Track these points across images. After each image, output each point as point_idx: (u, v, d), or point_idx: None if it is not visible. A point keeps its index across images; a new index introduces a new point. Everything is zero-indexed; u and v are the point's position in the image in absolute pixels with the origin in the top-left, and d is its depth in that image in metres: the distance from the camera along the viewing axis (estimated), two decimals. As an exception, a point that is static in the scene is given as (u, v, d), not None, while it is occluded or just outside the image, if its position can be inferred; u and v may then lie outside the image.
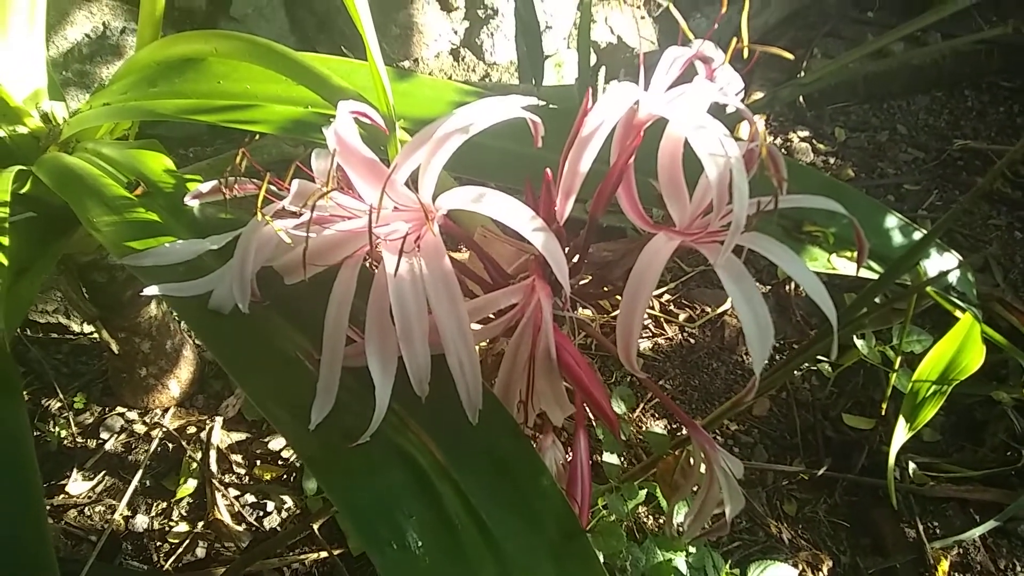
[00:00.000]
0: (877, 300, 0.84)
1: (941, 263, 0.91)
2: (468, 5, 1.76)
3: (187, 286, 0.60)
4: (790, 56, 0.58)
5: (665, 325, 1.59)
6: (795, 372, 1.51)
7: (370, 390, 0.52)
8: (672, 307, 1.63)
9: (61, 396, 1.39)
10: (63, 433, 1.35)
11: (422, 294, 0.51)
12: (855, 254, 0.73)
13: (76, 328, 1.48)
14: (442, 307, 0.51)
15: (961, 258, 0.89)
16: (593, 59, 2.01)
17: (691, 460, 0.75)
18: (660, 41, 2.10)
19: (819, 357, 1.49)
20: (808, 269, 0.57)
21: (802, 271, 0.56)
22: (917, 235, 0.89)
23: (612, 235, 1.65)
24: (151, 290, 0.59)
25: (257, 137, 0.77)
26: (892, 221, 0.90)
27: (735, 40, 0.61)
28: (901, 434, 1.14)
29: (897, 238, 0.90)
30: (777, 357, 1.53)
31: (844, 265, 0.84)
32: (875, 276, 0.84)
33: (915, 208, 1.87)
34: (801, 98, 2.12)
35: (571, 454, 0.65)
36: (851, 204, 0.88)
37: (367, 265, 0.55)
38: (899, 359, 1.25)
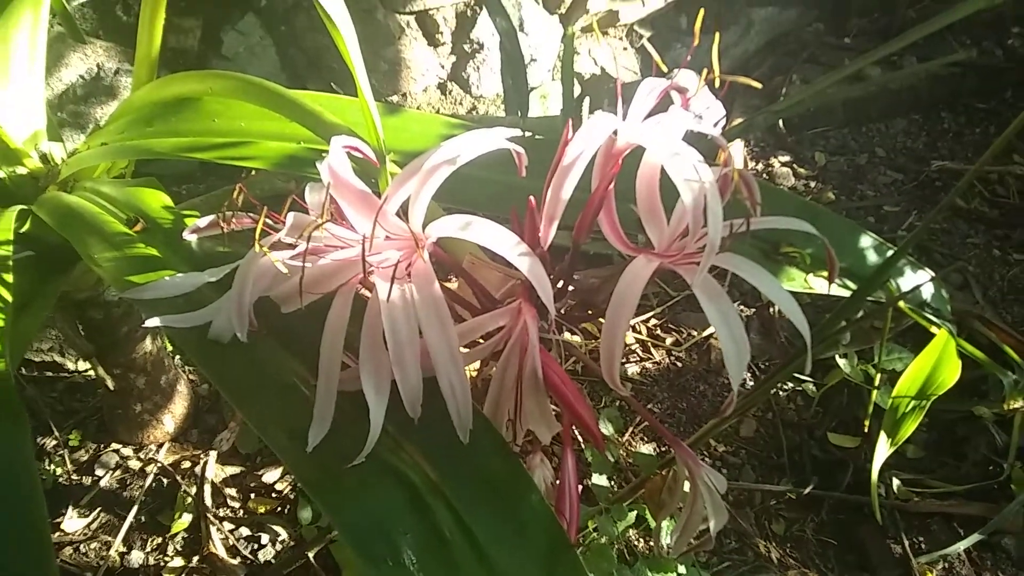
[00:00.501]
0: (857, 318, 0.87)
1: (915, 280, 0.94)
2: (454, 40, 1.80)
3: (187, 317, 0.62)
4: (759, 85, 0.61)
5: (652, 349, 1.61)
6: (780, 393, 1.53)
7: (365, 413, 0.55)
8: (659, 331, 1.66)
9: (56, 434, 1.40)
10: (58, 471, 1.36)
11: (414, 319, 0.53)
12: (831, 273, 0.76)
13: (71, 366, 1.49)
14: (433, 331, 0.53)
15: (933, 274, 0.91)
16: (577, 90, 2.05)
17: (677, 477, 0.78)
18: (642, 71, 2.15)
19: (803, 377, 1.51)
20: (782, 287, 0.60)
21: (776, 289, 0.59)
22: (891, 254, 0.92)
23: (599, 262, 1.68)
24: (152, 322, 0.61)
25: (253, 173, 0.79)
26: (867, 241, 0.93)
27: (707, 70, 0.64)
28: (883, 450, 1.16)
29: (872, 257, 0.93)
30: (763, 378, 1.55)
31: (821, 284, 0.86)
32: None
33: (895, 229, 1.91)
34: (781, 123, 2.17)
35: (559, 472, 0.67)
36: (826, 226, 0.92)
37: (360, 292, 0.58)
38: (879, 376, 1.28)
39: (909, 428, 1.13)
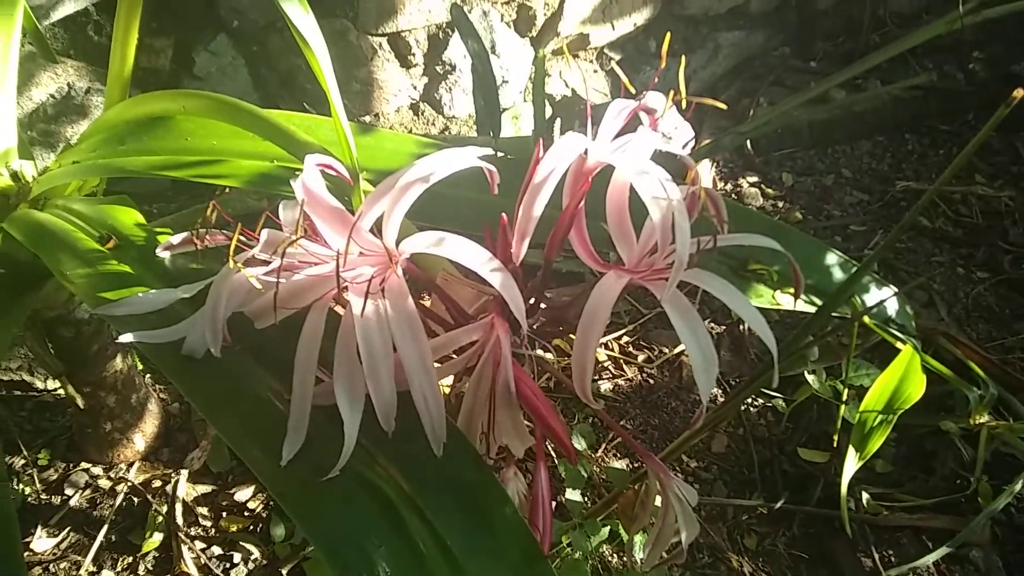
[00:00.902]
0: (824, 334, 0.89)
1: (880, 296, 0.96)
2: (427, 61, 1.82)
3: (161, 333, 0.63)
4: (724, 106, 0.63)
5: (624, 366, 1.63)
6: (751, 409, 1.55)
7: (339, 426, 0.55)
8: (631, 349, 1.67)
9: (25, 453, 1.38)
10: (27, 490, 1.34)
11: (387, 334, 0.54)
12: (798, 289, 0.77)
13: (40, 385, 1.48)
14: (406, 345, 0.54)
15: (896, 289, 0.93)
16: (549, 111, 2.07)
17: (649, 491, 0.79)
18: (612, 93, 2.17)
19: (773, 393, 1.53)
20: (749, 303, 0.61)
21: (743, 305, 0.60)
22: (855, 270, 0.93)
23: (572, 280, 1.69)
24: (126, 338, 0.61)
25: (228, 191, 0.80)
26: (832, 259, 0.95)
27: (674, 92, 0.66)
28: (852, 464, 1.18)
29: (838, 274, 0.95)
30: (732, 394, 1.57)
31: (788, 301, 0.88)
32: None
33: (861, 248, 1.94)
34: (750, 145, 2.20)
35: (532, 485, 0.68)
36: (793, 244, 0.94)
37: (334, 308, 0.58)
38: (847, 392, 1.30)
39: (876, 442, 1.15)
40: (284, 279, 0.56)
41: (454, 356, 0.63)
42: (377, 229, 0.57)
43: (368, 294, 0.53)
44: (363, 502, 0.56)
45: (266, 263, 0.58)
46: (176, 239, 0.68)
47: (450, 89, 1.85)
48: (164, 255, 0.70)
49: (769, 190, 2.13)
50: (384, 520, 0.56)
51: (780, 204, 2.10)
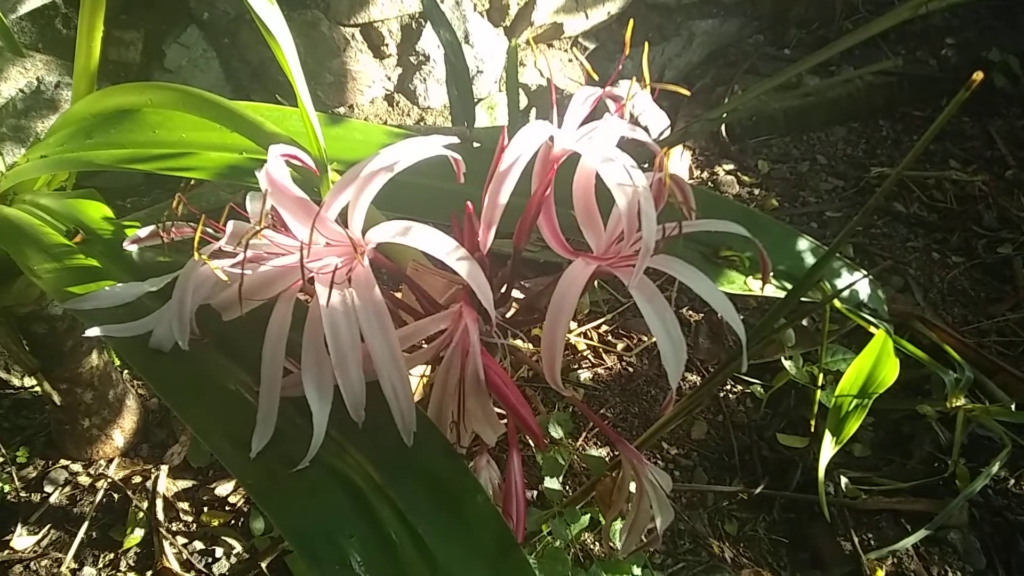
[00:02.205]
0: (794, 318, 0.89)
1: (851, 280, 0.96)
2: (400, 52, 1.81)
3: (128, 327, 0.62)
4: (687, 92, 0.63)
5: (604, 355, 1.63)
6: (730, 395, 1.56)
7: (308, 418, 0.55)
8: (610, 337, 1.67)
9: (3, 451, 1.37)
10: (6, 488, 1.33)
11: (355, 324, 0.54)
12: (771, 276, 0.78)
13: (16, 382, 1.47)
14: (374, 335, 0.54)
15: (866, 273, 0.94)
16: (524, 101, 2.07)
17: (625, 478, 0.79)
18: (588, 82, 2.17)
19: (751, 380, 1.54)
20: (716, 288, 0.61)
21: (710, 290, 0.61)
22: (824, 254, 0.94)
23: (550, 269, 1.69)
24: (93, 331, 0.61)
25: (192, 183, 0.79)
26: (804, 244, 0.96)
27: (642, 81, 0.66)
28: (828, 448, 1.19)
29: (809, 259, 0.95)
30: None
31: (760, 286, 0.89)
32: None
33: (836, 234, 1.95)
34: (725, 133, 2.20)
35: (505, 473, 0.68)
36: (764, 230, 0.94)
37: (302, 299, 0.58)
38: (822, 376, 1.31)
39: (852, 427, 1.16)
40: (250, 271, 0.56)
41: (424, 345, 0.63)
42: (344, 219, 0.57)
43: (333, 284, 0.53)
44: (333, 493, 0.56)
45: (233, 255, 0.58)
46: (143, 232, 0.67)
47: (424, 80, 1.84)
48: (131, 248, 0.69)
49: (745, 178, 2.14)
50: (355, 511, 0.56)
51: (756, 191, 2.10)
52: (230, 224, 0.59)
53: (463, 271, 0.53)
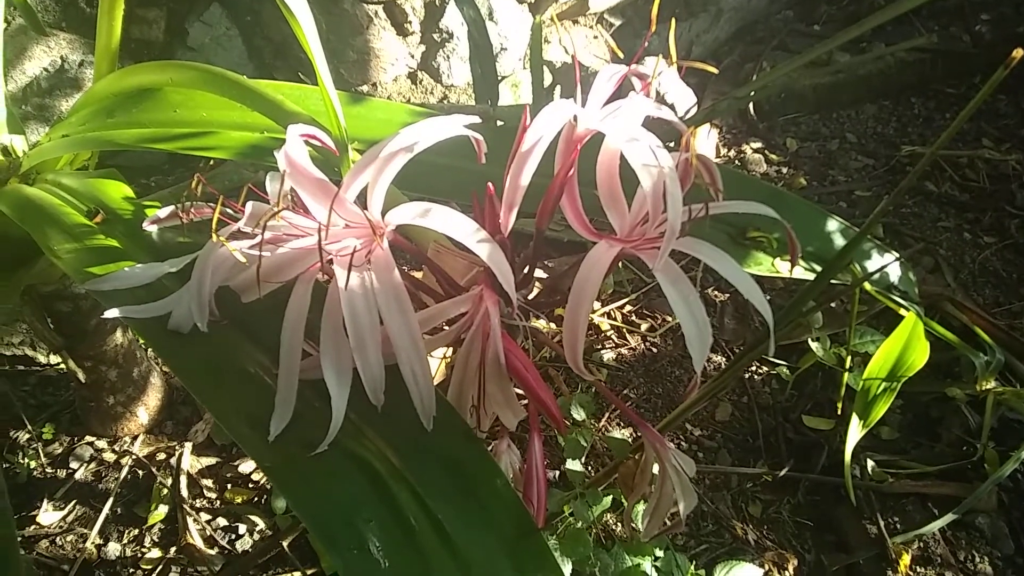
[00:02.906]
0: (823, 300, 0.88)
1: (882, 263, 0.94)
2: (424, 29, 1.79)
3: (147, 308, 0.62)
4: (715, 70, 0.61)
5: (627, 335, 1.62)
6: (755, 377, 1.54)
7: (327, 401, 0.54)
8: (634, 317, 1.66)
9: (29, 427, 1.39)
10: (32, 464, 1.35)
11: (374, 306, 0.53)
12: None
13: (42, 359, 1.48)
14: (393, 318, 0.53)
15: (898, 255, 0.92)
16: (549, 79, 2.05)
17: (648, 461, 0.78)
18: (613, 60, 2.14)
19: (777, 361, 1.52)
20: (742, 271, 0.60)
21: (737, 273, 0.59)
22: (855, 235, 0.92)
23: (573, 249, 1.68)
24: (112, 313, 0.60)
25: (211, 163, 0.79)
26: (833, 225, 0.94)
27: (669, 58, 0.64)
28: (855, 432, 1.17)
29: (839, 241, 0.93)
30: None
31: (788, 268, 0.87)
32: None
33: (867, 213, 1.92)
34: (753, 111, 2.17)
35: (526, 457, 0.67)
36: (792, 210, 0.93)
37: (321, 280, 0.57)
38: (850, 359, 1.29)
39: (880, 410, 1.14)
40: (269, 252, 0.55)
41: (446, 327, 0.62)
42: (363, 200, 0.56)
43: (351, 266, 0.52)
44: (352, 477, 0.55)
45: (251, 236, 0.57)
46: (163, 213, 0.67)
47: (448, 57, 1.83)
48: (151, 229, 0.69)
49: (773, 156, 2.11)
50: (374, 495, 0.55)
51: (784, 170, 2.07)
52: (249, 205, 0.58)
53: (484, 254, 0.52)
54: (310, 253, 0.56)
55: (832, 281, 0.77)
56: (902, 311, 0.97)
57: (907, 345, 1.04)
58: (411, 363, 0.54)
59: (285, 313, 0.55)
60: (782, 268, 0.87)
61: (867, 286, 0.89)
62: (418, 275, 0.77)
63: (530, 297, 0.73)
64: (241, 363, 0.61)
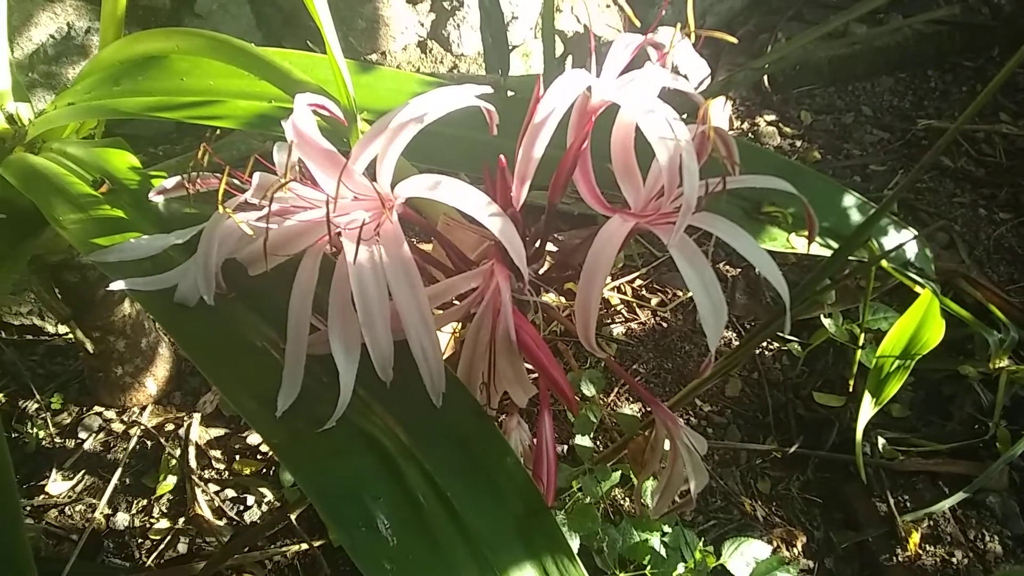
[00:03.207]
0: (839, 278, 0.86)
1: (899, 239, 0.93)
2: (434, -3, 1.77)
3: (153, 280, 0.61)
4: (734, 40, 0.59)
5: (638, 310, 1.61)
6: (766, 352, 1.53)
7: (335, 377, 0.54)
8: (644, 292, 1.65)
9: (38, 397, 1.39)
10: (41, 434, 1.35)
11: (383, 281, 0.52)
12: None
13: (51, 329, 1.48)
14: (402, 293, 0.52)
15: (916, 233, 0.91)
16: (560, 48, 2.02)
17: (658, 437, 0.77)
18: (626, 29, 2.11)
19: (789, 337, 1.51)
20: (759, 247, 0.59)
21: (753, 249, 0.58)
22: (872, 212, 0.90)
23: (585, 222, 1.67)
24: (117, 285, 0.60)
25: (218, 132, 0.77)
26: (850, 200, 0.92)
27: (684, 27, 0.63)
28: (867, 409, 1.16)
29: (855, 216, 0.92)
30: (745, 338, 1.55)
31: (803, 244, 0.85)
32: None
33: (881, 188, 1.90)
34: (767, 82, 2.14)
35: (536, 434, 0.66)
36: (809, 185, 0.91)
37: (329, 254, 0.56)
38: (863, 336, 1.28)
39: (893, 388, 1.13)
40: (276, 224, 0.54)
41: (456, 303, 0.61)
42: (372, 172, 0.55)
43: (360, 240, 0.51)
44: (360, 454, 0.55)
45: (258, 208, 0.56)
46: (169, 183, 0.66)
47: (458, 26, 1.80)
48: (157, 199, 0.68)
49: (787, 129, 2.08)
50: (382, 472, 0.54)
51: (798, 143, 2.05)
52: (256, 176, 0.57)
53: (495, 228, 0.51)
54: (318, 226, 0.54)
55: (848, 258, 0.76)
56: (918, 288, 0.96)
57: (922, 323, 1.02)
58: (420, 339, 0.53)
59: (292, 287, 0.54)
60: (797, 244, 0.85)
61: (884, 263, 0.87)
62: (427, 247, 0.76)
63: (541, 271, 0.72)
64: (248, 337, 0.60)
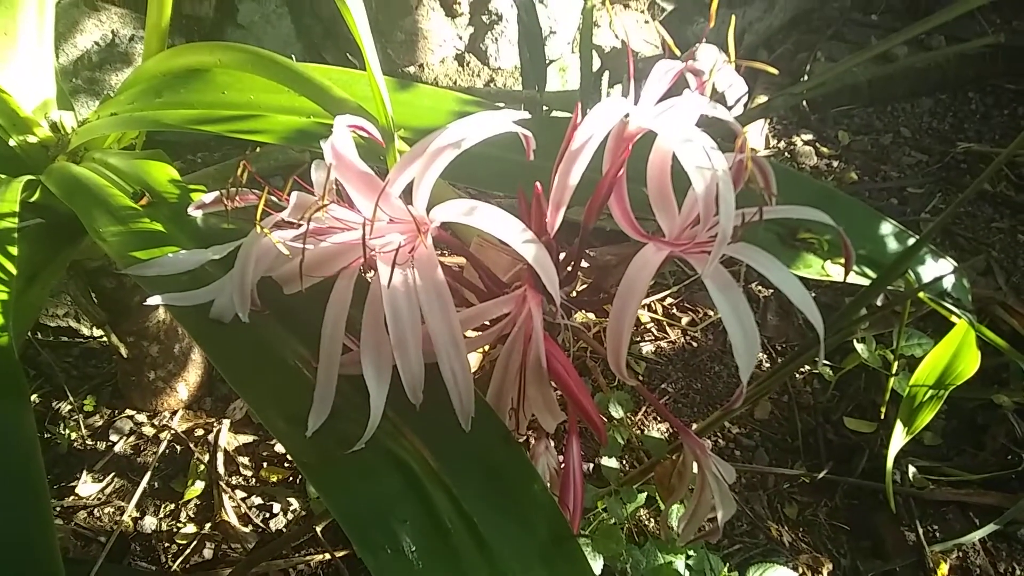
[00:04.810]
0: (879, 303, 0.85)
1: (937, 269, 0.92)
2: (472, 11, 1.78)
3: (189, 295, 0.61)
4: (775, 71, 0.59)
5: (668, 328, 1.60)
6: (797, 376, 1.52)
7: (366, 398, 0.54)
8: (675, 311, 1.64)
9: (71, 399, 1.41)
10: (73, 435, 1.37)
11: (416, 304, 0.52)
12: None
13: (86, 332, 1.50)
14: (435, 317, 0.52)
15: (956, 264, 0.89)
16: (597, 63, 2.02)
17: (686, 463, 0.77)
18: (664, 45, 2.11)
19: (821, 361, 1.49)
20: (794, 279, 0.58)
21: (788, 281, 0.58)
22: (912, 241, 0.89)
23: (617, 238, 1.66)
24: (154, 300, 0.60)
25: (258, 149, 0.78)
26: (887, 228, 0.91)
27: (724, 53, 0.62)
28: (899, 438, 1.15)
29: (892, 244, 0.91)
30: (780, 360, 1.54)
31: (839, 272, 0.85)
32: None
33: (918, 211, 1.88)
34: (805, 101, 2.13)
35: (564, 460, 0.66)
36: (845, 212, 0.90)
37: (364, 275, 0.57)
38: (896, 363, 1.26)
39: (926, 418, 1.12)
40: (312, 245, 0.54)
41: (486, 326, 0.61)
42: (409, 194, 0.55)
43: (395, 263, 0.51)
44: (388, 476, 0.55)
45: (295, 227, 0.56)
46: (207, 198, 0.66)
47: (496, 40, 1.81)
48: (196, 214, 0.69)
49: (824, 149, 2.07)
50: (409, 495, 0.54)
51: (835, 164, 2.03)
52: (294, 196, 0.58)
53: (529, 256, 0.51)
54: (353, 248, 0.55)
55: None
56: (954, 318, 0.95)
57: (957, 353, 1.01)
58: (451, 363, 0.53)
59: (327, 307, 0.55)
60: (832, 272, 0.84)
61: (920, 294, 0.86)
62: (453, 260, 0.76)
63: (572, 294, 0.72)
64: (281, 355, 0.61)
